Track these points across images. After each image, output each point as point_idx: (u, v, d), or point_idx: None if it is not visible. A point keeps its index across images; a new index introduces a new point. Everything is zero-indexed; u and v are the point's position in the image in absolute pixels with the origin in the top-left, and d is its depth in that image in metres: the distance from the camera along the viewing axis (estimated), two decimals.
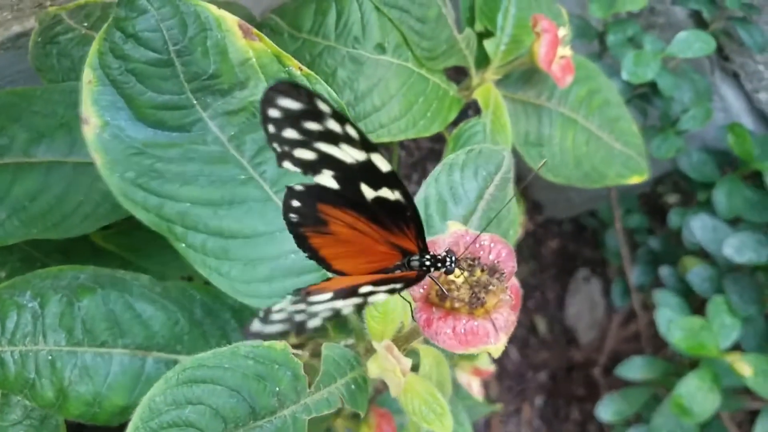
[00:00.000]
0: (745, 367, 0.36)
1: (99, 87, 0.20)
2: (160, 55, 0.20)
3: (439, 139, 0.54)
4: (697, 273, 0.42)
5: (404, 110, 0.32)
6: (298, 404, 0.19)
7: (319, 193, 0.16)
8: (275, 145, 0.15)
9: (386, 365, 0.20)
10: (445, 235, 0.18)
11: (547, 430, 0.53)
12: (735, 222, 0.43)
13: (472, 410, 0.35)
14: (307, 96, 0.14)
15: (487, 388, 0.51)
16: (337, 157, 0.15)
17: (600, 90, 0.36)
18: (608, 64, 0.43)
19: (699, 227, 0.42)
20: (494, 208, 0.23)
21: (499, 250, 0.17)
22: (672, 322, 0.38)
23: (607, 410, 0.43)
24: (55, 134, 0.25)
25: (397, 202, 0.16)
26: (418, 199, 0.23)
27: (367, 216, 0.17)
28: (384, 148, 0.44)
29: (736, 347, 0.39)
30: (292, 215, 0.17)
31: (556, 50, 0.31)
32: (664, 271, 0.46)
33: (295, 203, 0.16)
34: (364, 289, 0.14)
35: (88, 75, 0.20)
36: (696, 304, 0.43)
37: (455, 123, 0.34)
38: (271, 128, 0.15)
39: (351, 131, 0.15)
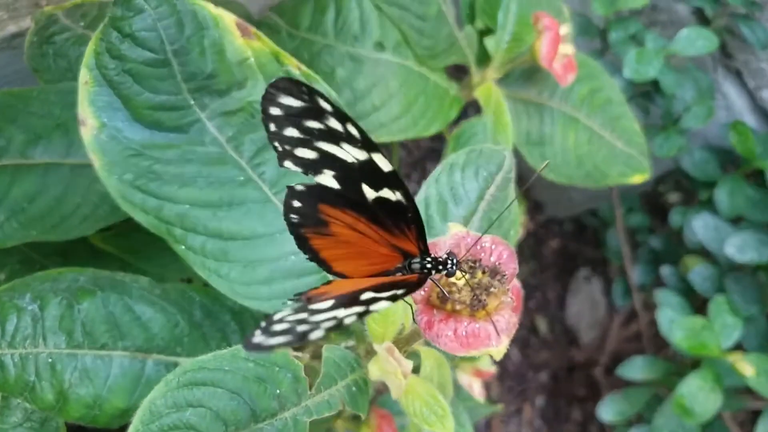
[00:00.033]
0: (746, 366, 0.36)
1: (96, 88, 0.20)
2: (156, 55, 0.20)
3: (439, 139, 0.54)
4: (698, 272, 0.42)
5: (404, 109, 0.32)
6: (298, 406, 0.19)
7: (320, 193, 0.16)
8: (276, 143, 0.15)
9: (387, 367, 0.20)
10: (446, 236, 0.17)
11: (548, 431, 0.53)
12: (737, 221, 0.43)
13: (473, 411, 0.35)
14: (309, 94, 0.14)
15: (488, 388, 0.51)
16: (339, 156, 0.15)
17: (602, 88, 0.36)
18: (610, 62, 0.43)
19: (701, 226, 0.42)
20: (495, 208, 0.23)
21: (501, 251, 0.17)
22: (673, 322, 0.38)
23: (608, 410, 0.43)
24: (52, 135, 0.25)
25: (398, 202, 0.16)
26: (419, 200, 0.23)
27: (368, 217, 0.16)
28: (384, 148, 0.43)
29: (738, 347, 0.39)
30: (293, 216, 0.16)
31: (557, 48, 0.31)
32: (666, 271, 0.46)
33: (296, 203, 0.16)
34: (365, 296, 0.14)
35: (84, 75, 0.20)
36: (697, 304, 0.43)
37: (456, 122, 0.33)
38: (273, 127, 0.15)
39: (352, 130, 0.15)
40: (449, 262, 0.16)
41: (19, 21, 0.29)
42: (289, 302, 0.15)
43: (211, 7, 0.20)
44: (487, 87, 0.33)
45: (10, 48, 0.29)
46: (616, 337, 0.55)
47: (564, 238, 0.59)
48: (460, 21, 0.33)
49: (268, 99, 0.14)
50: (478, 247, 0.17)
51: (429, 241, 0.17)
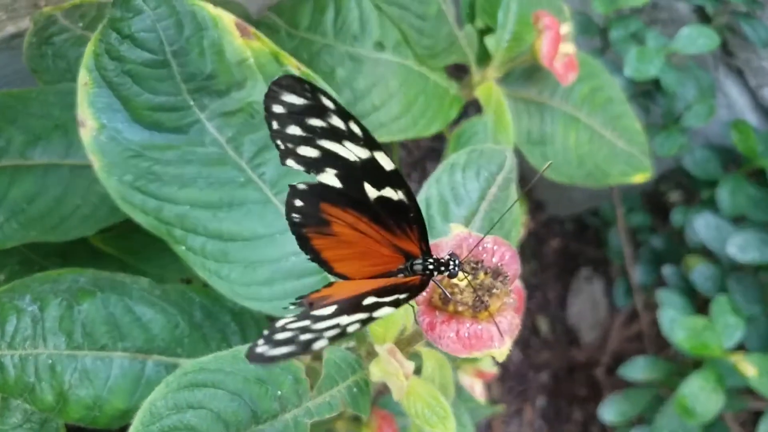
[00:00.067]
0: (748, 367, 0.36)
1: (95, 89, 0.20)
2: (156, 56, 0.20)
3: (439, 138, 0.54)
4: (700, 272, 0.42)
5: (404, 109, 0.31)
6: (299, 408, 0.19)
7: (322, 192, 0.16)
8: (278, 142, 0.15)
9: (389, 368, 0.20)
10: (448, 237, 0.17)
11: (549, 431, 0.53)
12: (739, 220, 0.42)
13: (474, 412, 0.35)
14: (312, 91, 0.14)
15: (489, 388, 0.51)
16: (341, 154, 0.15)
17: (603, 87, 0.36)
18: (611, 61, 0.43)
19: (702, 226, 0.42)
20: (496, 208, 0.23)
21: (503, 252, 0.17)
22: (675, 322, 0.38)
23: (609, 411, 0.43)
24: (51, 136, 0.25)
25: (400, 202, 0.16)
26: (420, 200, 0.23)
27: (370, 216, 0.16)
28: (384, 148, 0.43)
29: (740, 347, 0.39)
30: (294, 215, 0.16)
31: (558, 47, 0.31)
32: (667, 271, 0.46)
33: (298, 203, 0.16)
34: (368, 301, 0.14)
35: (83, 77, 0.20)
36: (699, 304, 0.43)
37: (456, 122, 0.33)
38: (275, 124, 0.15)
39: (355, 128, 0.15)
40: (451, 263, 0.16)
41: (17, 22, 0.29)
42: (291, 307, 0.15)
43: (210, 8, 0.20)
44: (487, 86, 0.33)
45: (8, 49, 0.29)
46: (618, 337, 0.55)
47: (565, 238, 0.59)
48: (460, 20, 0.33)
49: (271, 97, 0.14)
50: (480, 247, 0.17)
51: (431, 241, 0.17)
